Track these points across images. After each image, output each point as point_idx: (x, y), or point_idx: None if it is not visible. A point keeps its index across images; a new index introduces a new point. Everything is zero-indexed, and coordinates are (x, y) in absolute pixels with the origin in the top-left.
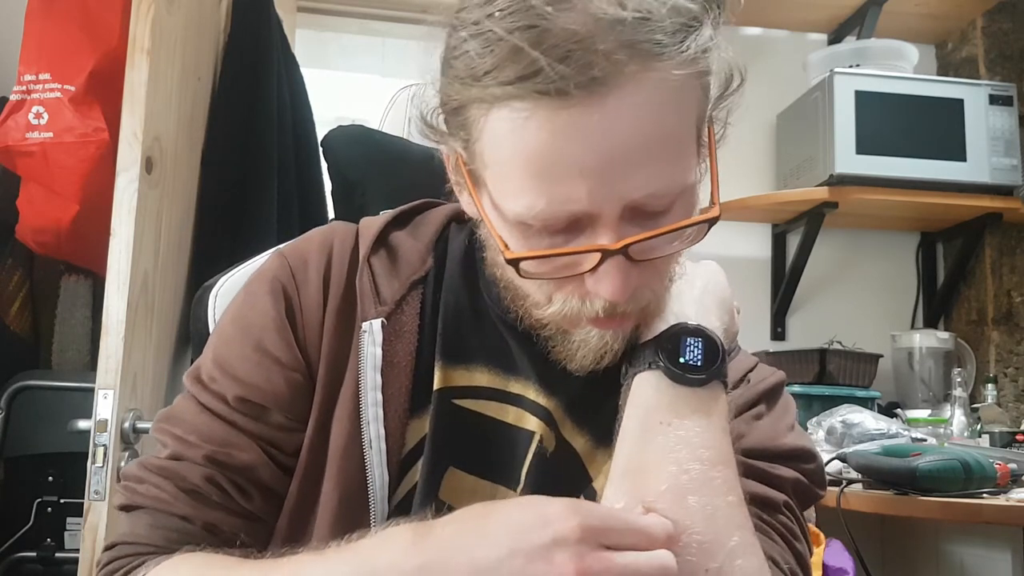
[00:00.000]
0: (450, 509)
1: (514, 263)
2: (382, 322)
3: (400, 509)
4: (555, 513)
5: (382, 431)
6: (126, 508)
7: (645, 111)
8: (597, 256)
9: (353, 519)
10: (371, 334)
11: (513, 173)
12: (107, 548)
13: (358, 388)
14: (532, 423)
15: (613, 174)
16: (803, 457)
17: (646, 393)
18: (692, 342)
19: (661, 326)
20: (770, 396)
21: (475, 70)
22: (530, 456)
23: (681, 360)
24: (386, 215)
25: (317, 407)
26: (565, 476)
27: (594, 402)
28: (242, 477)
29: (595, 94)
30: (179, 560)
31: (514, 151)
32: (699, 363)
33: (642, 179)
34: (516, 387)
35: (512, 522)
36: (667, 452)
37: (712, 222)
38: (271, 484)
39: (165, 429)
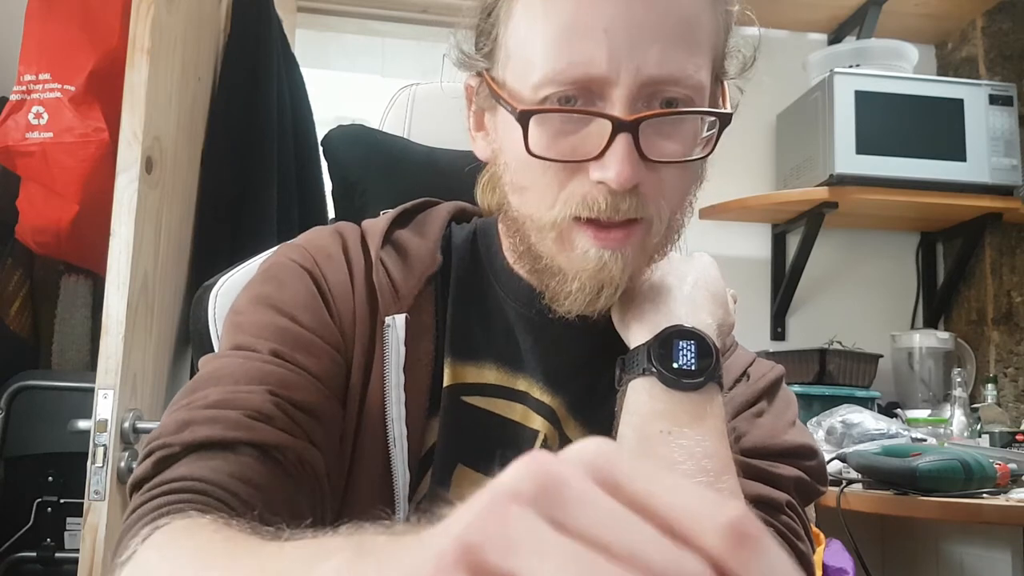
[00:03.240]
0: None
1: (525, 119)
2: (406, 317)
3: (420, 509)
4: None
5: (405, 429)
6: (161, 463)
7: None
8: (607, 132)
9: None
10: (395, 329)
11: (539, 40)
12: (148, 490)
13: (383, 385)
14: (537, 422)
15: (634, 37)
16: (804, 454)
17: (641, 400)
18: (685, 345)
19: (653, 326)
20: (770, 392)
21: None
22: None
23: (675, 365)
24: (387, 215)
25: (353, 399)
26: None
27: (598, 401)
28: (306, 413)
29: None
30: (185, 527)
31: (544, 16)
32: (693, 367)
33: (661, 53)
34: (522, 384)
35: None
36: (672, 464)
37: (725, 119)
38: (333, 429)
39: (197, 393)
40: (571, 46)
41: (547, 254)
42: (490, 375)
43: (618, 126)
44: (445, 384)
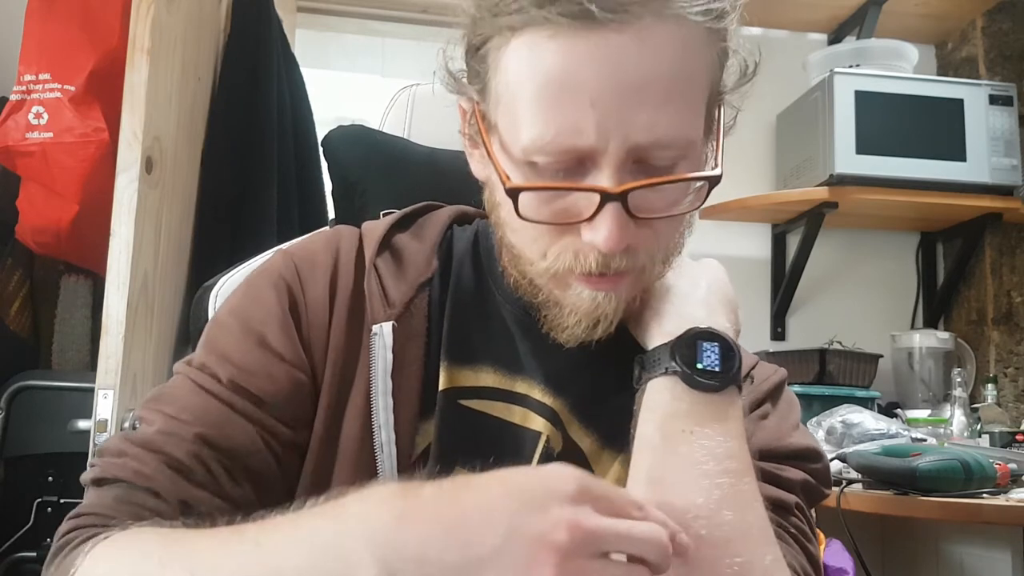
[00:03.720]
0: None
1: (514, 194)
2: (392, 325)
3: None
4: (554, 472)
5: (393, 435)
6: (98, 482)
7: (661, 50)
8: (596, 200)
9: None
10: (382, 337)
11: (526, 101)
12: (68, 518)
13: (369, 392)
14: (538, 423)
15: (621, 107)
16: (810, 457)
17: (663, 399)
18: (708, 347)
19: (673, 327)
20: (774, 395)
21: None
22: (536, 456)
23: (699, 366)
24: (388, 219)
25: (325, 410)
26: None
27: (600, 402)
28: (232, 460)
29: (616, 22)
30: (134, 533)
31: (530, 75)
32: (717, 368)
33: (649, 119)
34: (522, 387)
35: (508, 477)
36: (694, 464)
37: (714, 181)
38: (262, 472)
39: (154, 408)
40: (557, 116)
41: (544, 288)
42: (488, 378)
43: (606, 197)
44: (441, 388)
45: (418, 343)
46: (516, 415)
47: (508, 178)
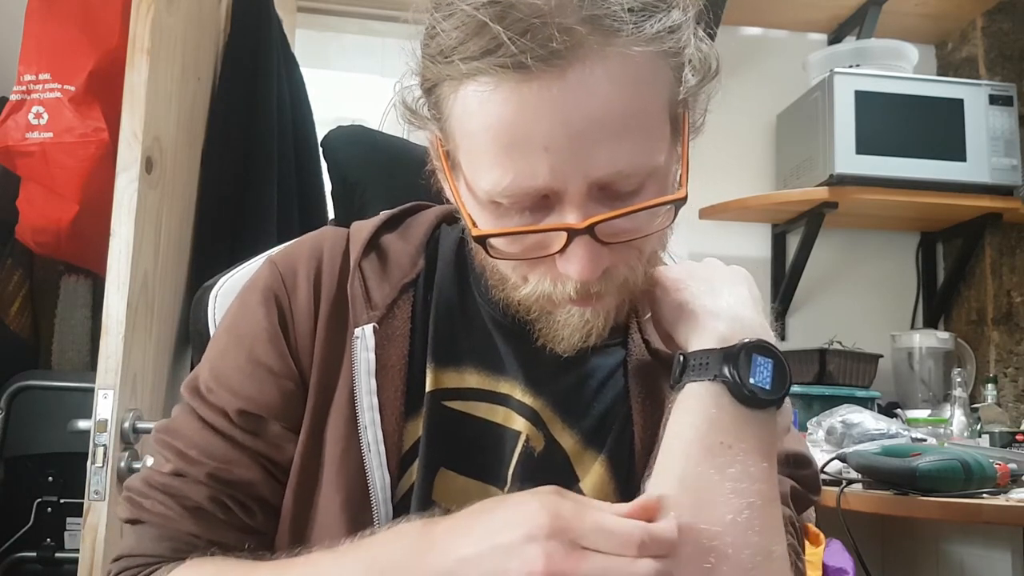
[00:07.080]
0: (444, 510)
1: (481, 240)
2: (374, 327)
3: (399, 509)
4: (530, 510)
5: (380, 434)
6: (131, 521)
7: (607, 87)
8: (564, 236)
9: (357, 522)
10: (363, 339)
11: (481, 148)
12: (115, 560)
13: (353, 393)
14: (519, 423)
15: (575, 149)
16: (799, 463)
17: (705, 406)
18: (763, 362)
19: (725, 331)
20: None
21: (445, 48)
22: (516, 456)
23: (751, 380)
24: (376, 219)
25: (310, 413)
26: (551, 476)
27: (582, 401)
28: (244, 494)
29: (555, 68)
30: (197, 562)
31: (481, 126)
32: (767, 386)
33: (606, 156)
34: (504, 387)
35: (494, 519)
36: (729, 480)
37: (679, 204)
38: (272, 500)
39: (166, 442)
40: (512, 163)
41: (533, 307)
42: (471, 379)
43: (573, 232)
44: (428, 390)
45: (401, 344)
46: (499, 415)
47: (475, 224)
